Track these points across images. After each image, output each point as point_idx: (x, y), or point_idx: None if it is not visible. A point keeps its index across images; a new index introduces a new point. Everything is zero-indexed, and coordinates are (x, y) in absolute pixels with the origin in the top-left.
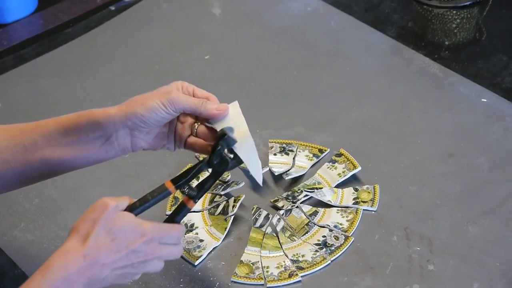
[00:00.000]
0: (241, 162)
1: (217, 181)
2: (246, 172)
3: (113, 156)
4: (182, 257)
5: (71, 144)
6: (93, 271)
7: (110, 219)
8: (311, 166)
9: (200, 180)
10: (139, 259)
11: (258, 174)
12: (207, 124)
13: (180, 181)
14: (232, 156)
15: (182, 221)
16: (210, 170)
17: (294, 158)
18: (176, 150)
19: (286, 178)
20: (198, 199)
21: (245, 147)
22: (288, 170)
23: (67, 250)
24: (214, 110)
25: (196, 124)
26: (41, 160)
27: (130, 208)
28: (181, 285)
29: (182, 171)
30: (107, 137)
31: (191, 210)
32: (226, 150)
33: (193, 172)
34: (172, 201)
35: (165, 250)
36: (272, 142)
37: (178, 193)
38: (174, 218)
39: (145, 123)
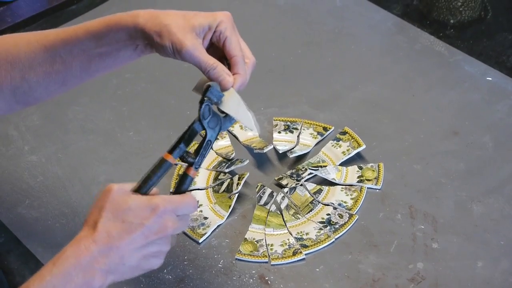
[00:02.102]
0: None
1: (222, 159)
2: (251, 150)
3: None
4: (186, 234)
5: (104, 53)
6: (109, 256)
7: (115, 201)
8: (316, 144)
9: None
10: (157, 235)
11: (251, 125)
12: None
13: (176, 148)
14: (224, 115)
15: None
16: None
17: (298, 136)
18: (180, 129)
19: (291, 156)
20: (199, 166)
21: (231, 101)
22: (293, 148)
23: (78, 239)
24: (225, 81)
25: None
26: (79, 64)
27: (137, 189)
28: (185, 263)
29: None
30: (133, 41)
31: (196, 188)
32: (214, 107)
33: (186, 135)
34: (177, 178)
35: (181, 222)
36: (277, 120)
37: (182, 170)
38: (179, 189)
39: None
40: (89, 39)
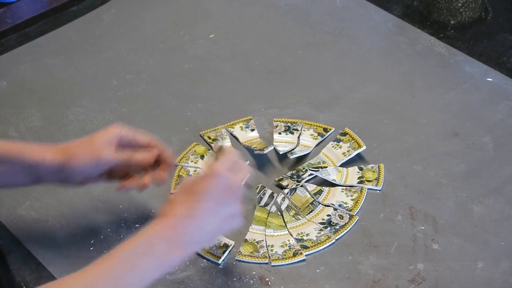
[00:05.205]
0: None
1: None
2: (251, 151)
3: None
4: None
5: (2, 172)
6: (189, 227)
7: (184, 184)
8: (316, 145)
9: None
10: (225, 195)
11: None
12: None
13: None
14: None
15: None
16: None
17: (299, 137)
18: (181, 131)
19: (291, 157)
20: None
21: None
22: (293, 149)
23: (160, 217)
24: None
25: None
26: None
27: None
28: (187, 262)
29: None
30: (39, 177)
31: None
32: None
33: None
34: (177, 179)
35: (239, 173)
36: (277, 121)
37: (182, 172)
38: None
39: (74, 177)
40: None
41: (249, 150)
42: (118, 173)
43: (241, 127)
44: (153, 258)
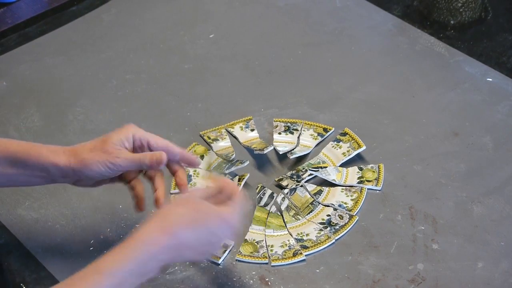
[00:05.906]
0: None
1: (222, 160)
2: (251, 151)
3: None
4: None
5: (17, 174)
6: (172, 252)
7: (190, 203)
8: (316, 145)
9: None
10: (218, 237)
11: None
12: None
13: None
14: None
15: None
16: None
17: (298, 137)
18: (181, 131)
19: (291, 157)
20: None
21: None
22: (293, 149)
23: (152, 230)
24: (154, 163)
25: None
26: None
27: None
28: (187, 262)
29: None
30: (53, 179)
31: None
32: None
33: None
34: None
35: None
36: (277, 121)
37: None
38: None
39: (89, 180)
40: (6, 159)
41: (249, 150)
42: (130, 174)
43: (241, 127)
44: (144, 278)
